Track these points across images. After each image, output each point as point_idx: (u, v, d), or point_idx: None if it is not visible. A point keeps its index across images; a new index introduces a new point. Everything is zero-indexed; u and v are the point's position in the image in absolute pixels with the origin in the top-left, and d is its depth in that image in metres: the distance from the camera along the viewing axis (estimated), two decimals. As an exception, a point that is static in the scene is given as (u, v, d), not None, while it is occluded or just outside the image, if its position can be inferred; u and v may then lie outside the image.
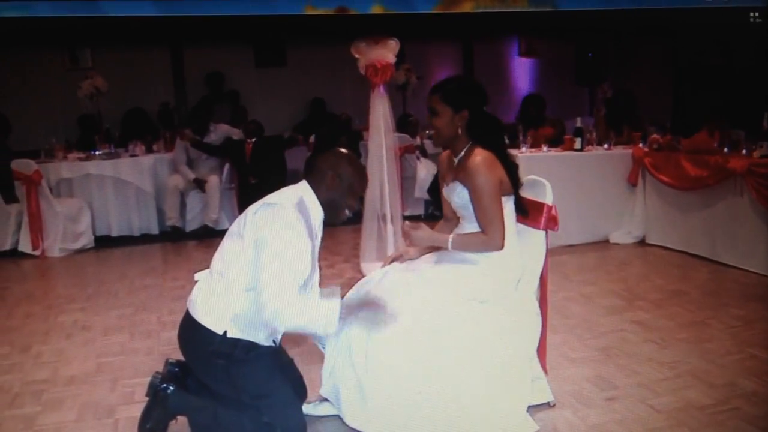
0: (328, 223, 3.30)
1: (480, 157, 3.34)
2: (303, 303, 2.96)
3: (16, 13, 4.02)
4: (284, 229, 2.97)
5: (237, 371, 3.10)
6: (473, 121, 3.43)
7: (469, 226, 3.46)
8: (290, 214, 3.01)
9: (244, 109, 10.91)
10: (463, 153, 3.47)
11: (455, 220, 3.64)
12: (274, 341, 3.26)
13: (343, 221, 3.35)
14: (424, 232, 3.45)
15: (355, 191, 3.27)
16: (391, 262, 3.66)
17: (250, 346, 3.11)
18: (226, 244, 3.18)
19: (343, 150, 3.35)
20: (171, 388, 3.22)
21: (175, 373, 3.30)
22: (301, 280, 3.02)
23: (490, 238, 3.31)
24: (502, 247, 3.32)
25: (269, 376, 3.13)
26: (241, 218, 3.17)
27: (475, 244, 3.37)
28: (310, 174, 3.23)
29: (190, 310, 3.19)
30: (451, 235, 3.41)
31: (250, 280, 3.03)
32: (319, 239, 3.27)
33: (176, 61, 11.69)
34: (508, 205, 3.45)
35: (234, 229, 3.17)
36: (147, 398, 3.27)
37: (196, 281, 3.30)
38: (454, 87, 3.47)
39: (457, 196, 3.46)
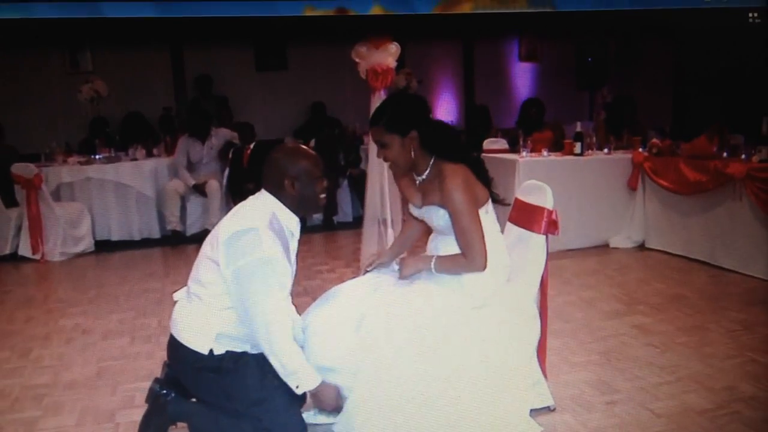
0: (314, 214, 3.30)
1: (452, 176, 3.25)
2: (296, 353, 3.05)
3: (16, 14, 4.03)
4: (263, 257, 2.96)
5: (228, 382, 3.09)
6: (425, 138, 3.33)
7: (448, 239, 3.40)
8: (266, 240, 2.98)
9: (230, 112, 10.90)
10: (427, 172, 3.40)
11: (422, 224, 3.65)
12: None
13: (324, 205, 3.35)
14: (409, 265, 3.38)
15: (315, 176, 3.17)
16: (366, 271, 3.59)
17: (237, 356, 3.10)
18: (201, 267, 3.15)
19: (277, 149, 3.29)
20: (171, 394, 3.22)
21: (174, 377, 3.30)
22: (285, 294, 3.09)
23: (471, 261, 3.25)
24: (484, 268, 3.26)
25: (261, 382, 3.11)
26: (213, 240, 3.11)
27: (459, 267, 3.30)
28: (268, 186, 3.18)
29: (173, 332, 3.18)
30: (433, 260, 3.33)
31: (228, 301, 3.05)
32: (296, 240, 3.25)
33: (176, 64, 11.69)
34: (488, 209, 3.42)
35: (207, 251, 3.12)
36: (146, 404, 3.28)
37: (176, 301, 3.30)
38: (395, 113, 3.34)
39: (440, 219, 3.38)
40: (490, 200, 3.44)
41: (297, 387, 3.03)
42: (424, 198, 3.43)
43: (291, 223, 3.18)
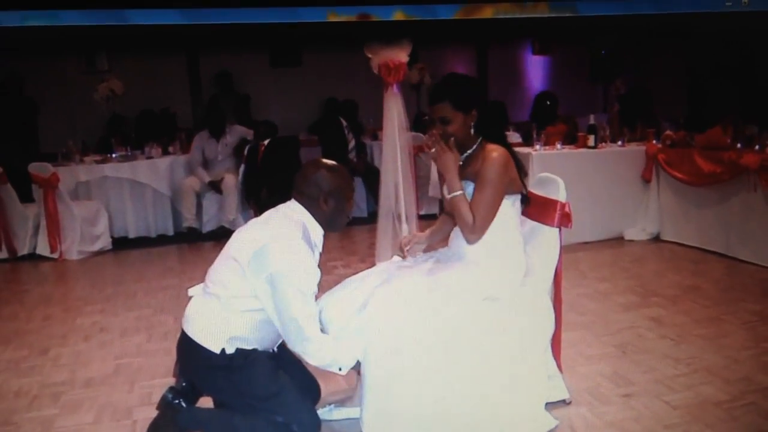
0: (333, 232, 3.36)
1: (498, 153, 3.33)
2: (326, 339, 3.15)
3: (44, 21, 4.09)
4: (298, 266, 3.03)
5: (239, 377, 3.11)
6: (481, 117, 3.43)
7: None
8: (300, 249, 3.05)
9: (249, 110, 10.94)
10: (472, 150, 3.47)
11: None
12: (273, 350, 3.33)
13: (344, 226, 3.42)
14: (452, 161, 3.41)
15: (348, 197, 3.29)
16: (405, 248, 3.65)
17: (247, 353, 3.13)
18: (223, 267, 3.17)
19: (316, 163, 3.32)
20: (183, 404, 3.23)
21: (187, 381, 3.32)
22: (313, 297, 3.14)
23: (475, 226, 3.30)
24: (474, 242, 3.34)
25: (272, 375, 3.16)
26: (240, 244, 3.15)
27: (464, 217, 3.31)
28: (301, 198, 3.23)
29: (186, 329, 3.19)
30: (458, 192, 3.35)
31: (248, 304, 3.08)
32: (318, 252, 3.28)
33: (192, 63, 11.73)
34: (516, 203, 3.46)
35: (232, 253, 3.15)
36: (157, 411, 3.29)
37: (190, 297, 3.32)
38: (461, 90, 3.43)
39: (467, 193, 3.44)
40: (520, 195, 3.49)
41: (340, 369, 3.15)
42: (461, 173, 3.45)
43: (317, 235, 3.24)
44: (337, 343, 3.16)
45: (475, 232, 3.32)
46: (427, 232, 3.77)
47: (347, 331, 3.23)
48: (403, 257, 3.64)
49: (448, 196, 3.42)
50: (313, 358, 3.10)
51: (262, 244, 3.03)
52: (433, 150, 3.42)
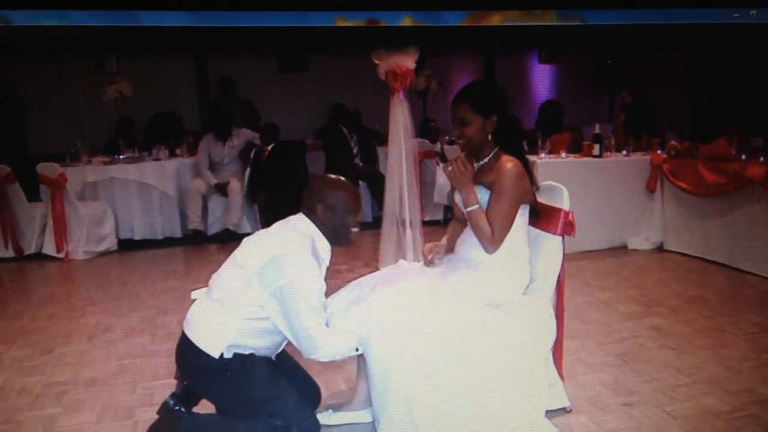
0: (344, 246, 3.38)
1: (512, 164, 3.36)
2: (335, 335, 3.20)
3: (54, 21, 4.14)
4: (306, 279, 3.09)
5: (237, 382, 3.13)
6: (500, 126, 3.45)
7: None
8: (308, 263, 3.11)
9: (257, 113, 10.96)
10: (488, 159, 3.49)
11: (466, 222, 3.66)
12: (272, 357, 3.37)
13: (352, 241, 3.40)
14: (468, 178, 3.44)
15: (351, 209, 3.31)
16: (428, 255, 3.68)
17: (244, 357, 3.15)
18: (229, 274, 3.21)
19: (322, 178, 3.40)
20: (184, 411, 3.24)
21: (188, 389, 3.33)
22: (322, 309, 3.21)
23: (494, 238, 3.34)
24: (494, 252, 3.37)
25: (270, 379, 3.19)
26: (248, 253, 3.20)
27: (482, 230, 3.35)
28: (308, 212, 3.28)
29: (186, 331, 3.21)
30: (476, 205, 3.37)
31: (251, 312, 3.11)
32: (325, 267, 3.32)
33: (200, 66, 11.75)
34: (525, 213, 3.48)
35: (239, 260, 3.19)
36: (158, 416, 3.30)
37: (194, 300, 3.34)
38: (482, 94, 3.44)
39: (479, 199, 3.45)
40: (529, 207, 3.52)
41: (357, 350, 3.23)
42: (474, 178, 3.47)
43: (324, 249, 3.28)
44: (346, 333, 3.21)
45: (494, 243, 3.35)
46: (443, 240, 3.80)
47: (348, 320, 3.28)
48: (428, 264, 3.66)
49: (465, 210, 3.43)
50: (330, 357, 3.21)
51: (272, 255, 3.08)
52: (450, 169, 3.45)
